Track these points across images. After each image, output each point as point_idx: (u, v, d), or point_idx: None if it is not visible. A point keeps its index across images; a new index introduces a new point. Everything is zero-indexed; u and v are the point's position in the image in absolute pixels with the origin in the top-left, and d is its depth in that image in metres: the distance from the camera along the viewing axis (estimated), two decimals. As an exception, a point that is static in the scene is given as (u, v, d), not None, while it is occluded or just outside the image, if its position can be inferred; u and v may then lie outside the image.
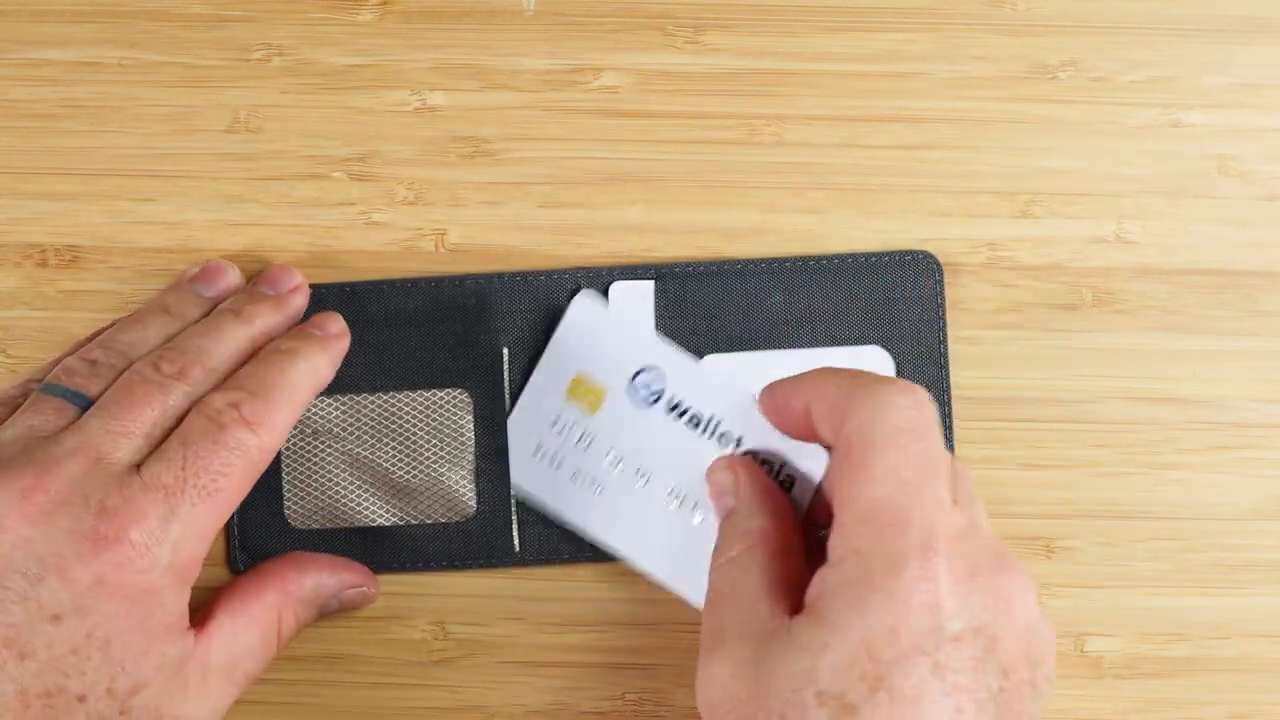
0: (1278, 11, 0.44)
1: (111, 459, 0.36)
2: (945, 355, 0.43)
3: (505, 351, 0.42)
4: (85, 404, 0.38)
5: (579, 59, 0.44)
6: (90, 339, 0.41)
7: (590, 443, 0.41)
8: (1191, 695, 0.43)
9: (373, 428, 0.42)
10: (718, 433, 0.40)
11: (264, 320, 0.40)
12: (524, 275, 0.42)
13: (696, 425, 0.41)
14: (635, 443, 0.41)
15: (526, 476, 0.42)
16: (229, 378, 0.38)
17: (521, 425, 0.42)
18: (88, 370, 0.38)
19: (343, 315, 0.42)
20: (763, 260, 0.43)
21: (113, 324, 0.41)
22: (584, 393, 0.41)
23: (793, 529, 0.37)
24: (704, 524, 0.40)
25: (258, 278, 0.42)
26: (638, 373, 0.41)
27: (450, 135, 0.44)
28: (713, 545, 0.38)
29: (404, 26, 0.44)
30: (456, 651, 0.43)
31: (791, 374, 0.38)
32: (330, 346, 0.40)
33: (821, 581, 0.33)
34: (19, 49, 0.43)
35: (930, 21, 0.44)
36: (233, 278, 0.42)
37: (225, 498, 0.36)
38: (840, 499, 0.34)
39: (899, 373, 0.43)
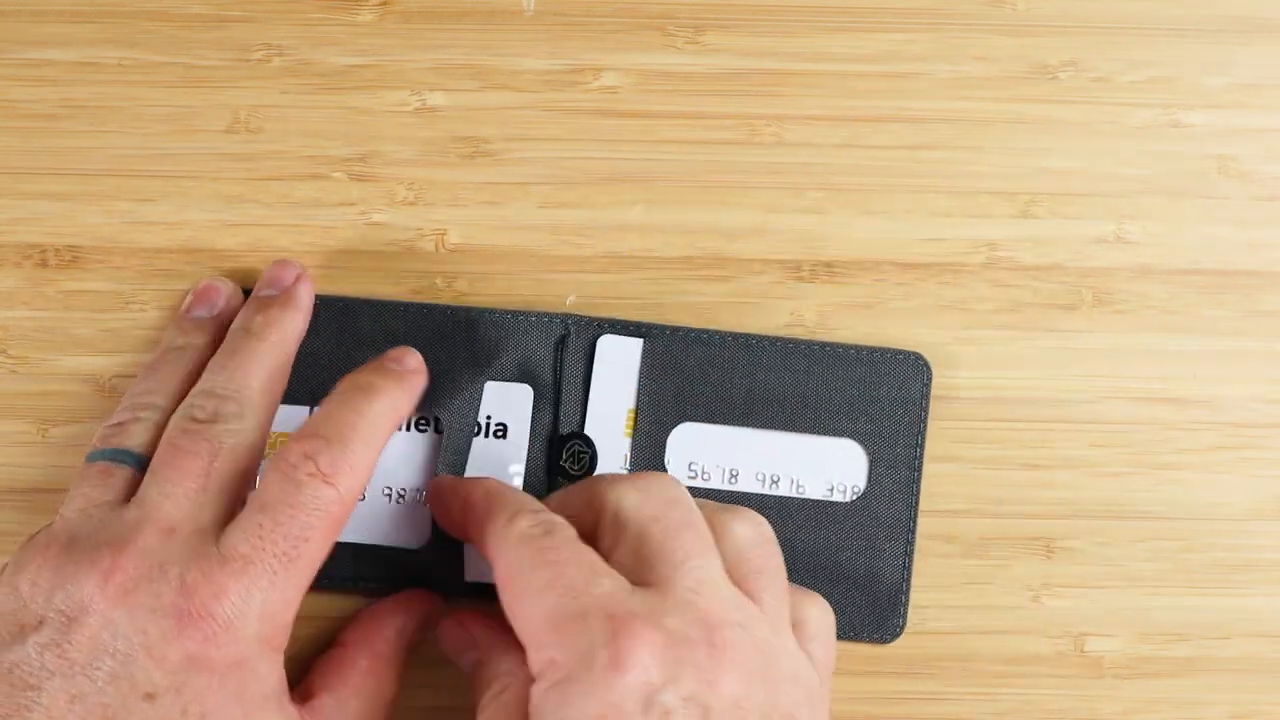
0: (1278, 11, 0.44)
1: (182, 527, 0.35)
2: (920, 460, 0.43)
3: (485, 387, 0.42)
4: (132, 460, 0.37)
5: (579, 59, 0.43)
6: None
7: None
8: (1191, 695, 0.43)
9: None
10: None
11: (279, 328, 0.39)
12: (514, 315, 0.42)
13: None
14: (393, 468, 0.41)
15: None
16: (308, 422, 0.37)
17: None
18: (118, 430, 0.38)
19: (332, 330, 0.41)
20: (755, 336, 0.42)
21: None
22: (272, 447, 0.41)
23: None
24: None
25: (259, 282, 0.41)
26: (312, 408, 0.41)
27: (450, 135, 0.43)
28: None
29: (404, 26, 0.43)
30: (457, 651, 0.43)
31: (459, 478, 0.39)
32: (409, 382, 0.38)
33: (534, 697, 0.34)
34: (19, 49, 0.42)
35: (930, 21, 0.44)
36: (227, 292, 0.41)
37: (308, 561, 0.35)
38: (518, 625, 0.35)
39: (871, 472, 0.42)
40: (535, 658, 0.34)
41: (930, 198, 0.43)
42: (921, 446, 0.42)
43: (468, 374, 0.41)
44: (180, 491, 0.36)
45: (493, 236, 0.43)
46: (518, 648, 0.36)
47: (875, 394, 0.42)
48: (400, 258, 0.43)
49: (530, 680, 0.35)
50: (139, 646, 0.34)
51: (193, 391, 0.38)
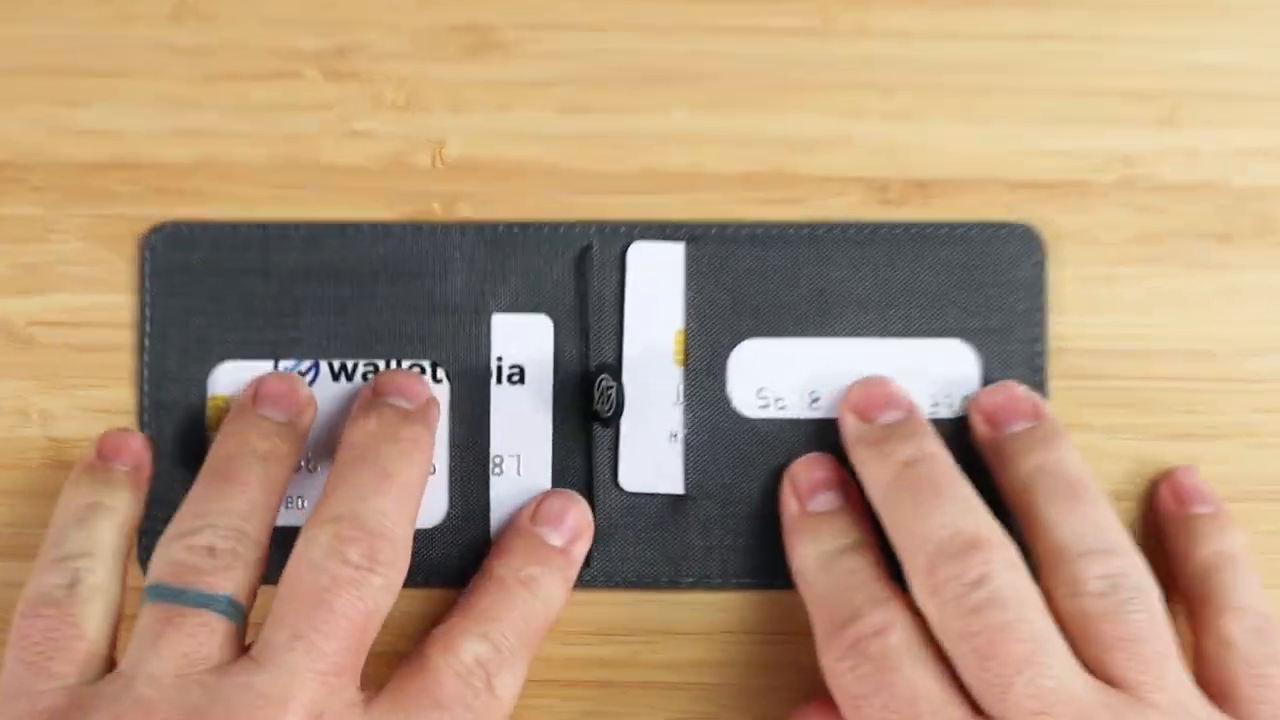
0: None
1: (329, 709, 0.33)
2: (1044, 356, 0.39)
3: (494, 320, 0.39)
4: (233, 610, 0.34)
5: (610, -74, 0.40)
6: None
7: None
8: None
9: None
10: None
11: (423, 451, 0.36)
12: (523, 228, 0.39)
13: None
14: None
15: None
16: (475, 613, 0.36)
17: None
18: (210, 562, 0.34)
19: (298, 264, 0.39)
20: (821, 224, 0.39)
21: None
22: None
23: None
24: None
25: (377, 385, 0.38)
26: (276, 362, 0.39)
27: (449, 23, 0.39)
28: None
29: (391, -115, 0.40)
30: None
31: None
32: (572, 565, 0.38)
33: None
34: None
35: (1050, -122, 0.40)
36: (304, 397, 0.38)
37: None
38: None
39: (985, 375, 0.39)
40: None
41: (1049, 100, 0.39)
42: (1044, 340, 0.39)
43: (470, 307, 0.39)
44: (327, 667, 0.33)
45: (503, 149, 0.39)
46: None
47: (978, 279, 0.39)
48: (388, 175, 0.39)
49: None
50: None
51: (332, 512, 0.35)
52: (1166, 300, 0.39)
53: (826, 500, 0.37)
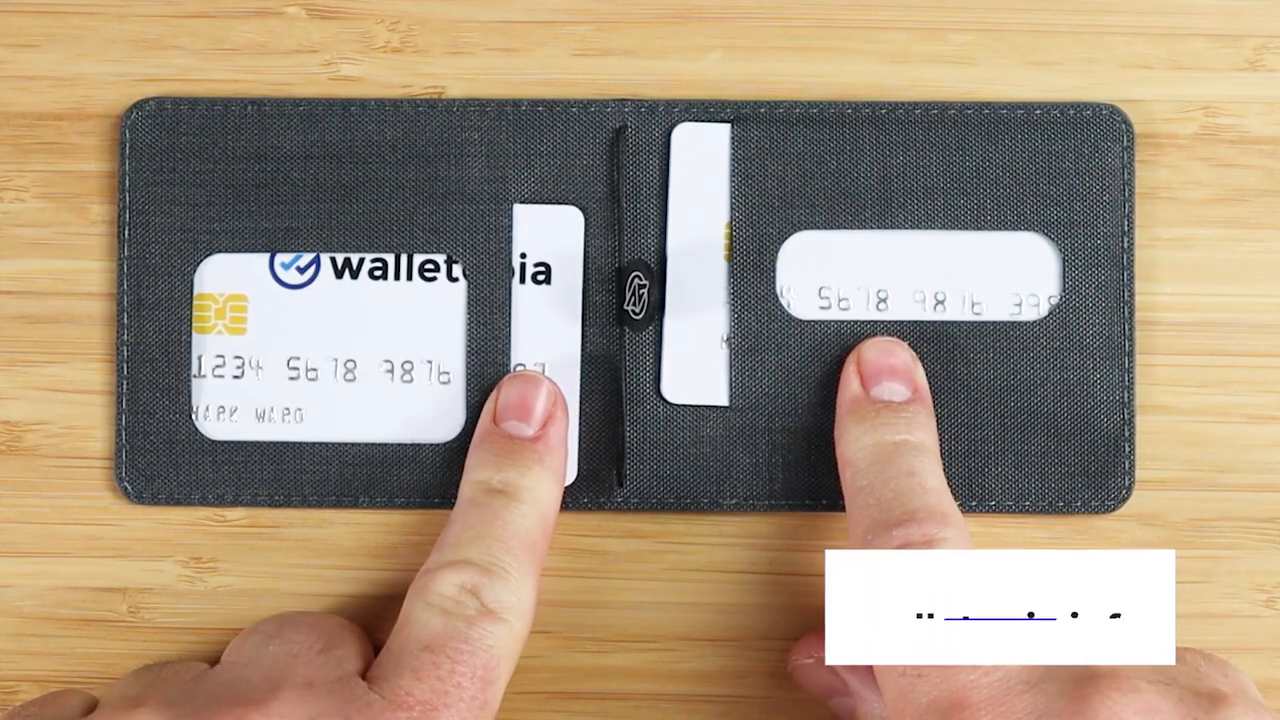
0: None
1: (323, 674, 0.34)
2: (1130, 253, 0.38)
3: (516, 211, 0.38)
4: None
5: None
6: None
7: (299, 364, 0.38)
8: None
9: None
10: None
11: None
12: (549, 106, 0.38)
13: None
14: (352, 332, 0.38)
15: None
16: (448, 544, 0.35)
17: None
18: None
19: (296, 146, 0.38)
20: (883, 104, 0.38)
21: None
22: (217, 315, 0.38)
23: None
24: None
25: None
26: (272, 256, 0.38)
27: None
28: None
29: None
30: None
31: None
32: (552, 451, 0.37)
33: None
34: None
35: None
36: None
37: (494, 705, 0.34)
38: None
39: (1065, 274, 0.38)
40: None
41: (1122, 42, 0.38)
42: (1130, 234, 0.38)
43: (489, 196, 0.38)
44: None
45: (509, 96, 0.38)
46: None
47: (1059, 167, 0.38)
48: (380, 126, 0.39)
49: None
50: None
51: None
52: (1250, 266, 0.38)
53: (895, 390, 0.36)
